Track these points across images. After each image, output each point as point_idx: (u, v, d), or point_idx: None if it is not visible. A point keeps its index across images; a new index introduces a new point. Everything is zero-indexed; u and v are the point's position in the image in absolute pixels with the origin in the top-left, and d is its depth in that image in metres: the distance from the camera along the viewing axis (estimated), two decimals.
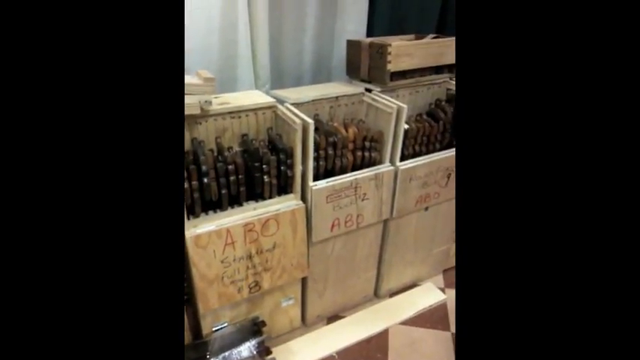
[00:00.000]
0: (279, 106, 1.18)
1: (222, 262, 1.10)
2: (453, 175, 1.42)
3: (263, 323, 1.26)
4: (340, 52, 1.58)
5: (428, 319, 1.48)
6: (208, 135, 1.13)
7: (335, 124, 1.26)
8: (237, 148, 1.17)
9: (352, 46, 1.40)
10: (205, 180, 1.00)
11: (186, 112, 0.99)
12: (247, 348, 1.18)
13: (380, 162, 1.29)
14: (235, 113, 1.14)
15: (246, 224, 1.09)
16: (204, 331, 1.20)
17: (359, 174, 1.22)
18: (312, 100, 1.26)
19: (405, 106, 1.21)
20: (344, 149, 1.20)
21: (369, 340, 1.39)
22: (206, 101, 1.07)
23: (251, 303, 1.26)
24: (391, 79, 1.31)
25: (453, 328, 1.44)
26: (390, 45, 1.25)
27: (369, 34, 1.66)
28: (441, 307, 1.53)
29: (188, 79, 1.02)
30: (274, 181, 1.11)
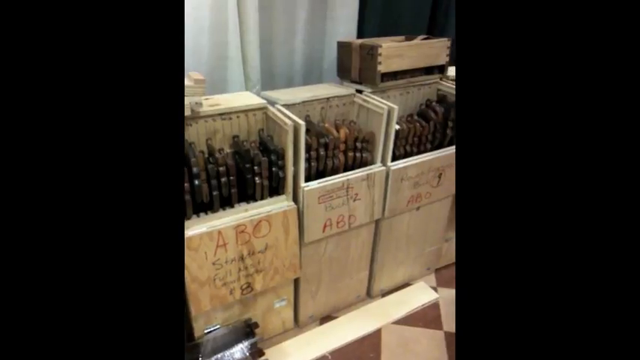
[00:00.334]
0: (270, 108, 1.18)
1: (213, 264, 1.09)
2: (444, 175, 1.43)
3: (255, 325, 1.26)
4: (331, 54, 1.58)
5: (421, 318, 1.49)
6: (199, 137, 1.13)
7: (326, 125, 1.26)
8: (228, 150, 1.17)
9: (343, 47, 1.40)
10: (196, 182, 1.00)
11: None
12: (240, 350, 1.18)
13: (371, 162, 1.30)
14: (226, 115, 1.14)
15: (238, 226, 1.09)
16: (197, 333, 1.20)
17: (351, 174, 1.22)
18: (303, 102, 1.27)
19: (395, 106, 1.21)
20: (335, 150, 1.21)
21: (362, 340, 1.39)
22: (196, 103, 1.07)
23: (243, 305, 1.26)
24: (382, 80, 1.31)
25: (445, 327, 1.45)
26: (380, 46, 1.26)
27: (359, 35, 1.66)
28: (434, 306, 1.54)
29: None
30: (266, 183, 1.11)
